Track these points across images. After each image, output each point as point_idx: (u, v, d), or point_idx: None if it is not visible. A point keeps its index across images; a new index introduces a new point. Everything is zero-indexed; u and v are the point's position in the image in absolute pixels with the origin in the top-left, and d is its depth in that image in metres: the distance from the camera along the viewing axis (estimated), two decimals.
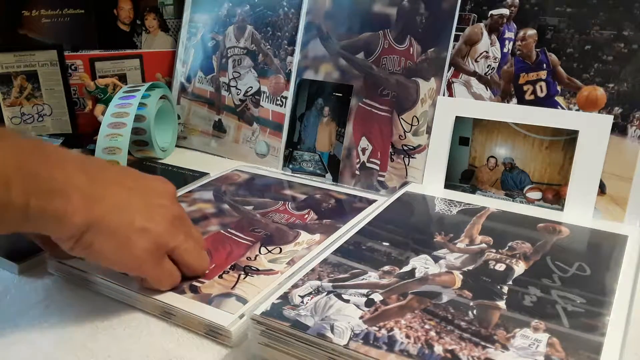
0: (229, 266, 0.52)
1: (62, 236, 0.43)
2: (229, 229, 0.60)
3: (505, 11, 0.67)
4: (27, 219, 0.40)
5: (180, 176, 0.79)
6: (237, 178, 0.77)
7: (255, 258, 0.54)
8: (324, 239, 0.57)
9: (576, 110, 0.62)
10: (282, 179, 0.77)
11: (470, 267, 0.49)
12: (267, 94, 0.86)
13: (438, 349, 0.38)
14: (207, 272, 0.51)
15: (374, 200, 0.68)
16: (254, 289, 0.48)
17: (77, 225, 0.42)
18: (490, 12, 0.68)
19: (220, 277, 0.50)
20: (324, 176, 0.78)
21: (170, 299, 0.47)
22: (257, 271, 0.51)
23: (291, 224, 0.61)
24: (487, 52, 0.68)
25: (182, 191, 0.71)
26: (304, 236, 0.58)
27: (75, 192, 0.42)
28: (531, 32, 0.65)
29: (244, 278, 0.50)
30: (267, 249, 0.55)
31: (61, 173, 0.42)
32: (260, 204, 0.67)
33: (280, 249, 0.56)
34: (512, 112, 0.66)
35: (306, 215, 0.64)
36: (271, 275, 0.51)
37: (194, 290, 0.48)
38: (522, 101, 0.66)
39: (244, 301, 0.47)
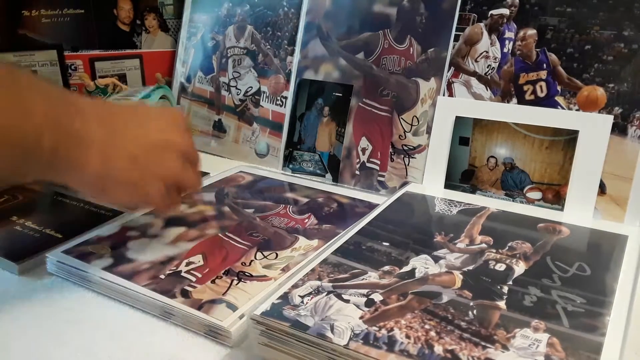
0: (222, 271, 0.52)
1: (80, 184, 0.48)
2: (226, 233, 0.60)
3: (505, 11, 0.67)
4: (52, 167, 0.43)
5: None
6: (241, 180, 0.77)
7: (250, 263, 0.53)
8: (321, 244, 0.57)
9: (576, 110, 0.62)
10: (285, 181, 0.77)
11: (470, 267, 0.49)
12: (267, 94, 0.86)
13: (438, 349, 0.38)
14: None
15: (376, 205, 0.66)
16: (245, 295, 0.48)
17: (93, 174, 0.46)
18: (490, 12, 0.68)
19: (213, 282, 0.50)
20: (324, 176, 0.78)
21: (169, 299, 0.47)
22: (251, 277, 0.51)
23: (290, 229, 0.61)
24: (487, 52, 0.68)
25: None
26: (302, 241, 0.58)
27: (92, 145, 0.45)
28: (531, 32, 0.65)
29: (237, 284, 0.50)
30: (263, 254, 0.55)
31: (82, 124, 0.45)
32: (261, 207, 0.67)
33: (277, 254, 0.55)
34: (512, 112, 0.66)
35: (306, 220, 0.63)
36: (264, 281, 0.50)
37: (185, 294, 0.48)
38: (522, 101, 0.66)
39: (233, 308, 0.46)
